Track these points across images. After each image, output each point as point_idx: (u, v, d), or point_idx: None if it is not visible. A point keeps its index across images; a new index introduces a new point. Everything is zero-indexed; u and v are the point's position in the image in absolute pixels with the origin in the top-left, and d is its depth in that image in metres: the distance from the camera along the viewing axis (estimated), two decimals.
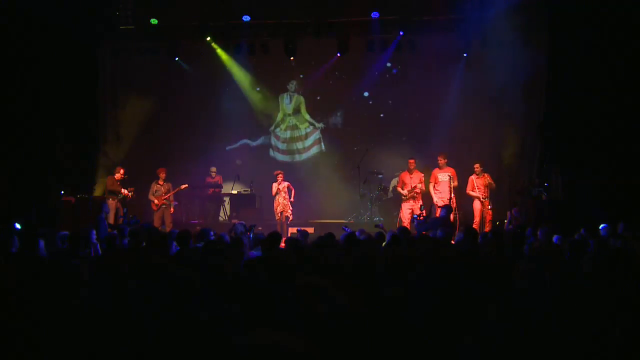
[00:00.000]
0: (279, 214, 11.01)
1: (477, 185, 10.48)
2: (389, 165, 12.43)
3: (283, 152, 13.90)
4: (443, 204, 10.08)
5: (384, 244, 6.01)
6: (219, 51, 12.57)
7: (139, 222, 9.19)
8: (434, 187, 10.69)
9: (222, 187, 12.49)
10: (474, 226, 9.99)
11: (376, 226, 8.88)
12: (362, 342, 2.72)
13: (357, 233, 6.42)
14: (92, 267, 4.44)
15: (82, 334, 2.84)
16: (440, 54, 11.74)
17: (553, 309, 3.18)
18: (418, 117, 12.64)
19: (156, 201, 11.19)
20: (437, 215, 9.75)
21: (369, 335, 2.77)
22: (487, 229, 9.96)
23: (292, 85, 13.73)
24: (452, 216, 9.52)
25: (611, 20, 9.61)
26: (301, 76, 13.48)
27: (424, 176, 10.76)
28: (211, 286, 3.69)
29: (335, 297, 2.93)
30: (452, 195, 10.39)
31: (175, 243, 5.87)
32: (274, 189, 11.05)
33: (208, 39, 12.34)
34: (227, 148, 13.62)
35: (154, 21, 11.89)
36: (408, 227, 9.66)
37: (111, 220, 10.24)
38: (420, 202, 10.48)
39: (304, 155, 13.84)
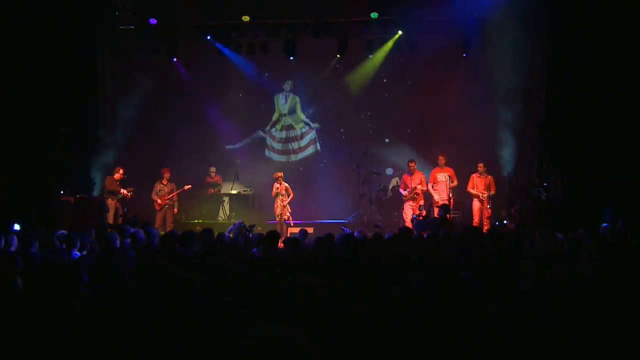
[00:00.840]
0: (278, 216, 11.03)
1: (477, 184, 10.49)
2: (389, 165, 12.42)
3: (278, 152, 13.88)
4: (441, 203, 10.10)
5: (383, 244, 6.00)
6: (219, 51, 12.55)
7: (138, 222, 9.18)
8: (433, 187, 10.71)
9: (221, 187, 12.48)
10: (473, 225, 10.01)
11: (375, 226, 8.89)
12: (362, 342, 2.71)
13: (355, 233, 6.42)
14: (92, 267, 4.43)
15: (80, 334, 2.84)
16: (440, 54, 11.72)
17: (553, 309, 3.18)
18: (418, 117, 12.62)
19: (159, 201, 11.18)
20: (435, 215, 9.78)
21: (369, 335, 2.76)
22: (485, 228, 9.96)
23: (288, 85, 13.72)
24: (448, 216, 9.56)
25: (611, 20, 9.60)
26: (300, 77, 13.47)
27: (424, 176, 10.77)
28: (211, 286, 3.68)
29: (334, 298, 2.93)
30: (450, 195, 10.39)
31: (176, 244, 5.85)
32: (274, 190, 11.07)
33: (208, 38, 12.33)
34: (226, 147, 13.62)
35: (153, 21, 11.88)
36: (409, 226, 9.67)
37: (110, 220, 10.23)
38: (421, 202, 10.48)
39: (300, 156, 13.82)
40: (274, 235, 5.68)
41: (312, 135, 13.81)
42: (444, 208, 9.61)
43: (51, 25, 10.34)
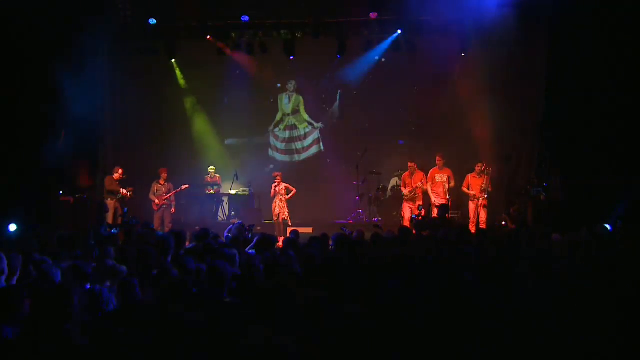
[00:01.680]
0: (277, 216, 11.03)
1: (472, 184, 10.48)
2: (389, 165, 12.41)
3: (282, 152, 13.90)
4: (440, 204, 10.10)
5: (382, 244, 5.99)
6: (218, 51, 12.54)
7: (138, 222, 9.17)
8: (431, 187, 10.69)
9: (220, 187, 12.46)
10: (469, 226, 10.02)
11: (375, 226, 8.89)
12: (363, 342, 2.71)
13: (354, 234, 6.42)
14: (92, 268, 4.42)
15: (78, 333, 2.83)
16: (440, 54, 11.71)
17: (553, 309, 3.18)
18: (417, 117, 12.60)
19: (157, 201, 11.17)
20: (434, 215, 9.78)
21: (369, 335, 2.76)
22: (473, 229, 9.94)
23: (291, 85, 13.72)
24: (447, 216, 9.56)
25: (611, 20, 9.59)
26: (300, 77, 13.47)
27: (425, 176, 10.76)
28: (210, 286, 3.68)
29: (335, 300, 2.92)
30: (448, 196, 10.38)
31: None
32: (272, 191, 11.07)
33: (208, 38, 12.32)
34: (226, 142, 13.62)
35: (153, 21, 11.87)
36: (408, 226, 9.68)
37: (110, 220, 10.22)
38: (420, 202, 10.48)
39: (303, 155, 13.85)
40: (266, 241, 5.66)
41: (315, 134, 13.82)
42: (443, 208, 9.61)
43: (51, 24, 10.33)
